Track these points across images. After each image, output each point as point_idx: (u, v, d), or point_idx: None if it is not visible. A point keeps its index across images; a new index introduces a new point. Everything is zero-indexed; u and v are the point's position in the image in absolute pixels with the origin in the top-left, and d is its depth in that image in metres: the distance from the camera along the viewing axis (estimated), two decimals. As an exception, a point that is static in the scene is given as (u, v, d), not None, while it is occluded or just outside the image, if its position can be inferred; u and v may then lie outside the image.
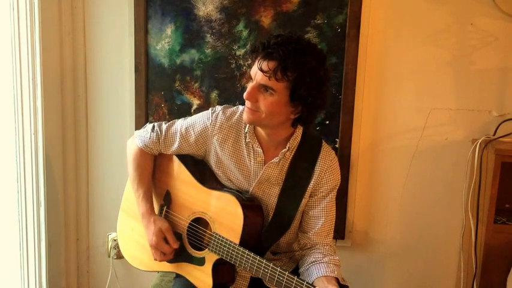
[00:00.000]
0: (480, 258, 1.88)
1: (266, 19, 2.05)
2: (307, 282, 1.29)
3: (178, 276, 1.59)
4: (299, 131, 1.50)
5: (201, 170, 1.60)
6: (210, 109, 1.56)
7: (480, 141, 1.95)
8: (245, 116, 1.43)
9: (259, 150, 1.49)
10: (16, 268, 2.16)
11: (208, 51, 2.10)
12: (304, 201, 1.50)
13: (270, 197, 1.52)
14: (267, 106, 1.37)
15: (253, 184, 1.52)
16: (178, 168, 1.61)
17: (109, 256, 2.34)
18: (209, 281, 1.47)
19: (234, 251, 1.41)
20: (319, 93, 1.38)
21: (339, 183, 1.54)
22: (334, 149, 2.09)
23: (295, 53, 1.33)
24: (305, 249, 1.54)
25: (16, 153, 2.08)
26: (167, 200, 1.61)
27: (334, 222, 1.54)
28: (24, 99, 2.05)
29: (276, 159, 1.49)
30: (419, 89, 2.06)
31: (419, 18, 2.00)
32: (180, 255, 1.55)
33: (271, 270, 1.34)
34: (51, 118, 2.16)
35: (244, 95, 1.38)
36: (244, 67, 2.08)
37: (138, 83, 2.18)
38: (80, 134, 2.31)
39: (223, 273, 1.51)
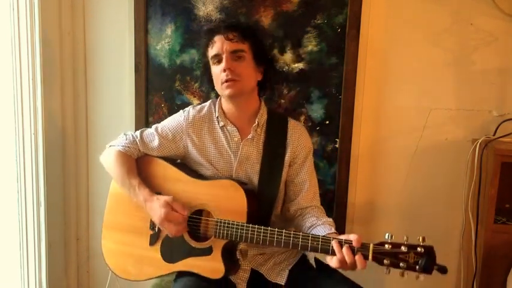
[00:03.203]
0: (480, 258, 1.88)
1: (266, 19, 2.05)
2: (322, 236, 1.36)
3: (179, 276, 1.58)
4: (264, 108, 1.64)
5: (187, 166, 1.65)
6: (181, 110, 1.68)
7: (480, 141, 1.95)
8: (228, 91, 1.53)
9: (234, 129, 1.60)
10: (16, 268, 2.16)
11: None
12: (284, 172, 1.61)
13: (252, 175, 1.60)
14: (243, 69, 1.53)
15: (235, 165, 1.59)
16: (165, 169, 1.62)
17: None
18: (221, 266, 1.50)
19: (243, 230, 1.46)
20: (270, 57, 1.67)
21: (312, 147, 1.68)
22: (334, 149, 2.09)
23: (247, 23, 1.74)
24: (297, 216, 1.62)
25: (16, 153, 2.08)
26: None
27: (317, 185, 1.68)
28: (24, 99, 2.05)
29: (249, 136, 1.60)
30: (420, 89, 2.06)
31: (419, 18, 2.01)
32: (183, 252, 1.55)
33: (285, 235, 1.41)
34: (51, 118, 2.16)
35: (223, 67, 1.51)
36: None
37: (138, 83, 2.18)
38: (80, 134, 2.31)
39: (232, 256, 1.55)
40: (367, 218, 2.18)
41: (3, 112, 2.05)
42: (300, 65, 2.07)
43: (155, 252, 1.59)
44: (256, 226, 1.45)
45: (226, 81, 1.52)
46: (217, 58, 1.55)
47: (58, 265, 2.31)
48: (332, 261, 1.33)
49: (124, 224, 1.64)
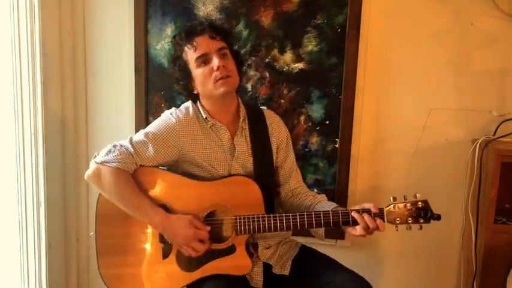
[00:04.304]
0: (480, 258, 1.88)
1: (266, 19, 2.05)
2: (341, 209, 1.48)
3: (201, 283, 1.52)
4: (240, 102, 1.67)
5: (181, 170, 1.60)
6: (166, 112, 1.63)
7: (480, 141, 1.95)
8: (223, 88, 1.53)
9: (224, 126, 1.60)
10: (16, 268, 2.16)
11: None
12: (274, 159, 1.66)
13: (248, 168, 1.61)
14: (231, 65, 1.56)
15: (233, 162, 1.59)
16: (164, 177, 1.56)
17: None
18: (247, 261, 1.51)
19: (265, 221, 1.48)
20: (238, 52, 1.72)
21: (288, 132, 1.74)
22: (334, 149, 2.09)
23: (218, 23, 1.81)
24: (288, 198, 1.69)
25: (16, 153, 2.08)
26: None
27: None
28: (24, 99, 2.05)
29: (238, 132, 1.61)
30: (420, 89, 2.06)
31: (419, 18, 2.01)
32: (203, 257, 1.50)
33: (307, 217, 1.47)
34: (51, 118, 2.16)
35: (216, 66, 1.51)
36: (244, 67, 2.08)
37: (138, 83, 2.18)
38: (80, 134, 2.31)
39: (254, 250, 1.58)
40: (367, 218, 2.18)
41: (3, 112, 2.05)
42: (300, 65, 2.06)
43: (171, 264, 1.52)
44: (278, 215, 1.48)
45: (221, 78, 1.52)
46: (203, 58, 1.53)
47: (58, 265, 2.31)
48: (355, 230, 1.44)
49: (123, 245, 1.55)
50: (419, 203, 1.45)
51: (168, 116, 1.60)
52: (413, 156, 2.10)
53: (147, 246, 1.55)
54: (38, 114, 2.08)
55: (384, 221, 1.44)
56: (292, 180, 1.69)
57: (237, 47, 2.06)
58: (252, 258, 1.55)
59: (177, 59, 1.60)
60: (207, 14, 2.08)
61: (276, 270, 1.59)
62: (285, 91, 2.09)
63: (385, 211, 1.45)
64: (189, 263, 1.52)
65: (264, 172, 1.62)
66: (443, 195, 2.11)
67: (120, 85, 2.23)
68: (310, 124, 2.09)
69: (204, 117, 1.60)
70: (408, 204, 1.45)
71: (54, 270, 2.25)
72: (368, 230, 1.43)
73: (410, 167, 2.11)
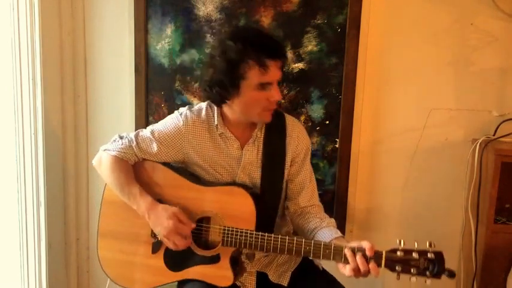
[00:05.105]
0: (480, 258, 1.88)
1: (266, 19, 2.05)
2: (334, 244, 1.36)
3: (184, 282, 1.55)
4: None
5: (188, 171, 1.60)
6: (176, 112, 1.60)
7: (480, 141, 1.95)
8: (268, 119, 1.50)
9: (233, 137, 1.55)
10: (16, 268, 2.15)
11: (208, 51, 2.10)
12: (286, 173, 1.58)
13: (255, 179, 1.57)
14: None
15: (239, 171, 1.56)
16: (166, 175, 1.57)
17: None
18: (230, 274, 1.48)
19: (252, 238, 1.43)
20: None
21: (310, 145, 1.65)
22: (334, 149, 2.09)
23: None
24: (297, 215, 1.60)
25: (16, 153, 2.08)
26: None
27: (315, 183, 1.65)
28: (24, 99, 2.05)
29: (250, 141, 1.55)
30: (419, 89, 2.06)
31: (419, 18, 2.01)
32: (189, 260, 1.52)
33: (296, 243, 1.39)
34: (51, 118, 2.16)
35: (274, 99, 1.45)
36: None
37: (138, 83, 2.18)
38: (80, 134, 2.31)
39: (238, 267, 1.53)
40: (367, 217, 2.18)
41: (3, 112, 2.05)
42: (300, 65, 2.07)
43: (158, 260, 1.54)
44: (266, 234, 1.42)
45: (270, 109, 1.48)
46: (266, 86, 1.44)
47: (58, 265, 2.31)
48: (345, 270, 1.33)
49: (123, 233, 1.58)
50: (430, 254, 1.26)
51: (177, 117, 1.57)
52: (414, 156, 2.10)
53: (142, 238, 1.57)
54: (38, 114, 2.08)
55: (380, 266, 1.29)
56: (301, 197, 1.59)
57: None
58: (239, 270, 1.52)
59: (232, 66, 1.42)
60: (207, 14, 2.08)
61: (273, 279, 1.57)
62: (285, 91, 2.08)
63: (383, 255, 1.29)
64: (174, 263, 1.54)
65: (271, 185, 1.56)
66: (443, 195, 2.11)
67: (120, 85, 2.23)
68: (310, 124, 2.09)
69: (216, 124, 1.55)
70: (415, 253, 1.26)
71: (54, 270, 2.25)
72: (359, 273, 1.30)
73: (410, 167, 2.11)
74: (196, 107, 1.60)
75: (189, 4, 2.09)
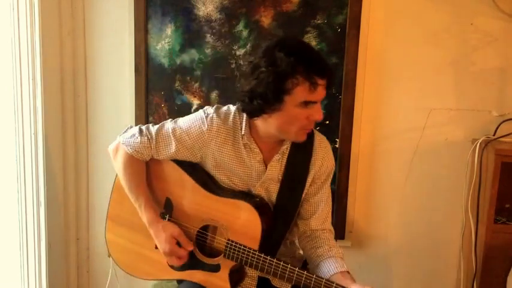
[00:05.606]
0: (480, 258, 1.88)
1: (266, 19, 2.05)
2: (336, 284, 1.33)
3: (181, 280, 1.57)
4: None
5: (203, 175, 1.56)
6: (202, 112, 1.51)
7: (480, 141, 1.95)
8: (303, 139, 1.44)
9: (257, 150, 1.49)
10: (16, 268, 2.16)
11: (208, 51, 2.10)
12: (305, 191, 1.52)
13: (271, 193, 1.52)
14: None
15: (257, 184, 1.51)
16: (179, 175, 1.54)
17: (109, 256, 2.33)
18: (227, 286, 1.48)
19: (254, 258, 1.42)
20: None
21: (334, 167, 1.59)
22: (334, 149, 2.09)
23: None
24: (306, 236, 1.55)
25: (16, 153, 2.08)
26: (168, 208, 1.55)
27: (331, 206, 1.59)
28: (24, 99, 2.05)
29: (276, 157, 1.49)
30: (419, 89, 2.06)
31: (419, 18, 2.01)
32: (190, 262, 1.51)
33: (297, 274, 1.37)
34: (51, 118, 2.16)
35: (316, 119, 1.39)
36: (244, 67, 2.08)
37: (138, 83, 2.18)
38: (80, 134, 2.31)
39: (238, 276, 1.52)
40: (367, 218, 2.18)
41: (3, 112, 2.05)
42: (300, 65, 2.06)
43: (160, 256, 1.53)
44: (269, 257, 1.40)
45: (307, 129, 1.43)
46: (309, 103, 1.36)
47: (58, 265, 2.31)
48: None
49: (130, 221, 1.59)
50: None
51: (202, 119, 1.49)
52: (414, 156, 2.10)
53: (146, 231, 1.56)
54: (38, 114, 2.08)
55: None
56: (314, 220, 1.53)
57: (236, 47, 2.08)
58: (238, 279, 1.51)
59: (280, 79, 1.32)
60: (207, 14, 2.08)
61: (275, 283, 1.53)
62: (285, 91, 2.08)
63: None
64: None
65: (287, 202, 1.51)
66: (443, 195, 2.11)
67: (120, 85, 2.23)
68: (310, 124, 2.09)
69: (242, 133, 1.47)
70: None
71: (54, 270, 2.25)
72: None
73: (410, 167, 2.11)
74: (224, 110, 1.52)
75: (189, 4, 2.09)
